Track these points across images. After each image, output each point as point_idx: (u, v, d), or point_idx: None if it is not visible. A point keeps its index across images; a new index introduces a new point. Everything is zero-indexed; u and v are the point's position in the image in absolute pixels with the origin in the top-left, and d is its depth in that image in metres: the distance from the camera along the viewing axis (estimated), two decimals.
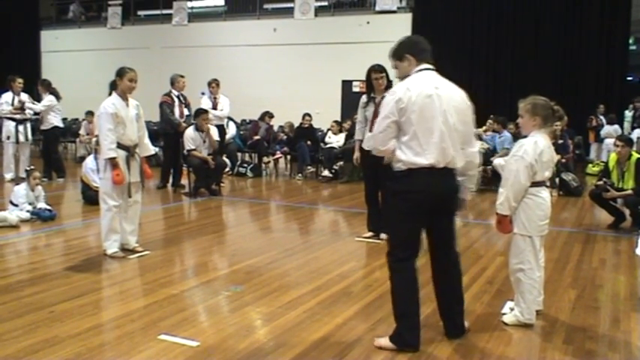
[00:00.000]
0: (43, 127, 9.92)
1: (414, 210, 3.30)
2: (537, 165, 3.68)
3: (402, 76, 3.45)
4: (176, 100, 9.31)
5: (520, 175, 3.66)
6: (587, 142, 13.31)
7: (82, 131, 13.70)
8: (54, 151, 10.29)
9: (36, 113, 9.93)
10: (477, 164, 3.57)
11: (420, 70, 3.39)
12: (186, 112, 9.39)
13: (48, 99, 9.80)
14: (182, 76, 9.42)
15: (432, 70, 3.41)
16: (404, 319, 3.36)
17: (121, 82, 5.23)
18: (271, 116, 12.30)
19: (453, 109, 3.31)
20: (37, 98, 10.67)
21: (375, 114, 5.94)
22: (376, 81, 5.89)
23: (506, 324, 3.82)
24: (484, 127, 10.82)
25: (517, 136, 10.48)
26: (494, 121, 10.83)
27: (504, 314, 3.96)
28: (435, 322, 3.82)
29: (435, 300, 3.61)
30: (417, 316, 3.38)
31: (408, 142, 3.26)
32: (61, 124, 10.37)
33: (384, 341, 3.40)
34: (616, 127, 12.84)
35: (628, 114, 13.83)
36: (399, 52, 3.46)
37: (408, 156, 3.26)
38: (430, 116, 3.24)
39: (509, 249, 3.90)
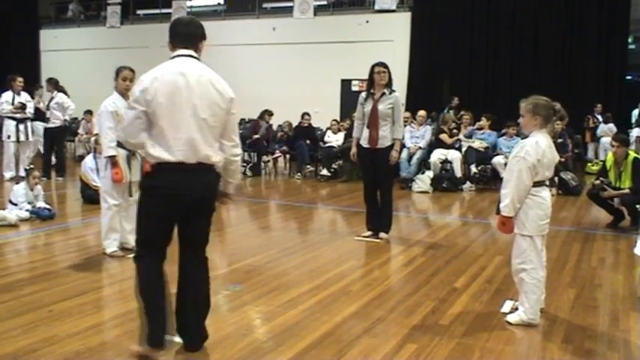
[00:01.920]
0: (51, 125, 9.91)
1: (161, 208, 3.06)
2: (539, 165, 3.68)
3: None
4: None
5: (523, 176, 3.67)
6: (584, 141, 13.29)
7: (80, 130, 13.70)
8: (60, 149, 10.32)
9: (37, 111, 9.93)
10: (237, 159, 3.32)
11: (174, 56, 3.11)
12: None
13: (62, 98, 9.81)
14: None
15: (189, 56, 3.13)
16: (146, 317, 3.13)
17: (117, 81, 5.26)
18: (271, 114, 12.25)
19: (206, 102, 3.05)
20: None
21: (374, 110, 5.97)
22: (378, 75, 5.88)
23: (510, 323, 3.81)
24: (477, 125, 10.81)
25: (517, 135, 10.51)
26: (488, 119, 10.82)
27: (504, 313, 3.97)
28: (434, 322, 3.83)
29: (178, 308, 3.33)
30: (160, 313, 3.15)
31: (157, 137, 3.00)
32: (66, 122, 10.41)
33: (135, 346, 3.18)
34: (611, 125, 12.77)
35: (636, 112, 13.73)
36: (169, 39, 3.20)
37: (158, 151, 2.99)
38: (178, 109, 2.99)
39: (512, 249, 3.89)
